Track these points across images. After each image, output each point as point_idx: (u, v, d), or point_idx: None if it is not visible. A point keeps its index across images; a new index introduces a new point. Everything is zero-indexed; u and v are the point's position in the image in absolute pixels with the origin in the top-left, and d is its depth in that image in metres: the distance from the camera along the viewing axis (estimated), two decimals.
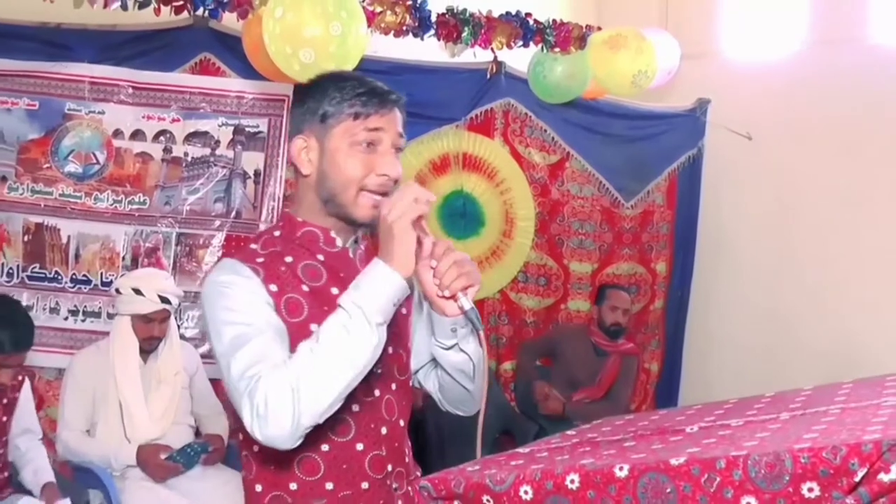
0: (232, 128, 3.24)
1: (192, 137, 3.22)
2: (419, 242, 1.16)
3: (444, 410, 1.43)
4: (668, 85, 3.73)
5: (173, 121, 3.19)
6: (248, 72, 3.08)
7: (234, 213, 3.23)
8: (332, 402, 1.11)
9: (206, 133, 3.23)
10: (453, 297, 1.20)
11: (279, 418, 1.08)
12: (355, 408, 1.24)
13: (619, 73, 3.41)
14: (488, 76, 3.67)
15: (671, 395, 4.28)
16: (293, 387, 1.08)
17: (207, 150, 3.23)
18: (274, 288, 1.19)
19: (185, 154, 3.23)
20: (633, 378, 3.75)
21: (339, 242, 1.28)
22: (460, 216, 3.78)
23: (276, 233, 1.29)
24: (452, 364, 1.32)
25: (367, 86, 1.24)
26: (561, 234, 4.03)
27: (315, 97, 1.25)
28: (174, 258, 3.20)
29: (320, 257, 1.26)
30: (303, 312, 1.19)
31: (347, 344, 1.10)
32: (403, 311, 1.34)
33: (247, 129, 3.24)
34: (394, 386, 1.31)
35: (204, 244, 3.23)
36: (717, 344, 4.38)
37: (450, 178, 3.73)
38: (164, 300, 2.76)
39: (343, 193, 1.23)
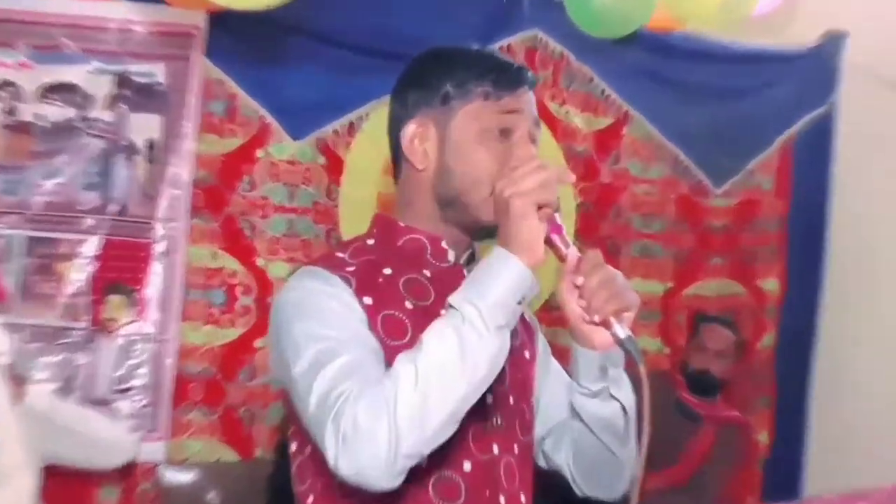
0: (112, 77, 3.00)
1: (49, 92, 2.99)
2: (556, 250, 1.22)
3: (579, 497, 1.47)
4: (780, 10, 3.47)
5: (21, 65, 2.95)
6: None
7: (115, 207, 2.99)
8: (440, 428, 1.12)
9: (71, 85, 3.00)
10: (605, 324, 1.22)
11: (372, 443, 1.09)
12: (467, 466, 1.27)
13: None
14: None
15: (790, 481, 3.88)
16: (389, 405, 1.09)
17: (72, 112, 3.00)
18: (369, 301, 1.23)
19: (38, 117, 2.98)
20: (734, 459, 3.48)
21: (451, 256, 1.32)
22: None
23: (370, 241, 1.34)
24: (599, 418, 1.35)
25: (498, 60, 1.31)
26: (616, 237, 3.74)
27: (434, 74, 1.30)
28: (21, 275, 2.93)
29: (427, 272, 1.31)
30: (406, 334, 1.23)
31: (460, 351, 1.12)
32: (527, 354, 1.40)
33: (135, 78, 3.02)
34: (516, 447, 1.33)
35: (67, 254, 2.95)
36: (859, 400, 3.91)
37: None
38: None
39: (471, 193, 1.26)
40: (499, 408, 1.29)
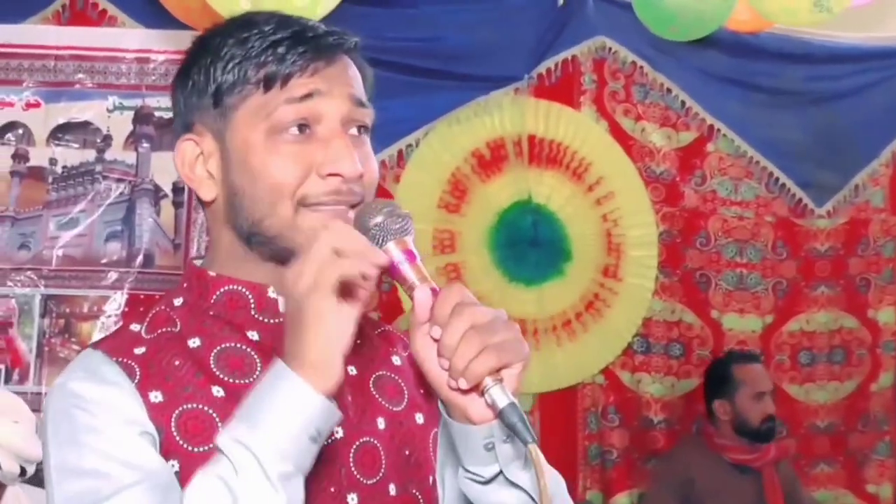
0: (132, 113, 2.98)
1: (62, 133, 2.97)
2: (407, 289, 1.02)
3: None
4: (879, 3, 3.35)
5: (28, 106, 2.95)
6: (154, 16, 2.90)
7: (140, 259, 2.95)
8: None
9: (86, 124, 2.97)
10: (476, 390, 1.01)
11: None
12: None
13: None
14: (561, 1, 3.37)
15: None
16: None
17: (91, 154, 2.97)
18: (158, 398, 1.05)
19: (52, 161, 2.96)
20: (808, 494, 3.44)
21: (283, 306, 1.09)
22: (529, 245, 3.50)
23: (178, 300, 1.13)
24: None
25: (286, 28, 1.07)
26: (705, 268, 3.63)
27: (200, 64, 1.08)
28: (38, 339, 2.90)
29: (252, 335, 1.10)
30: (213, 434, 1.01)
31: None
32: (419, 419, 1.16)
33: (157, 114, 2.98)
34: None
35: (90, 313, 2.91)
36: None
37: (508, 181, 3.47)
38: None
39: (272, 217, 1.06)
40: None
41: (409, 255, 1.01)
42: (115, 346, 1.10)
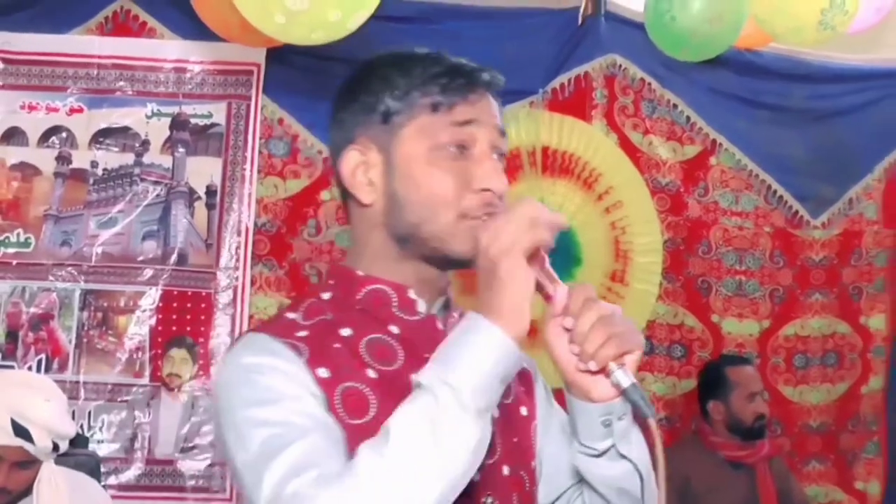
0: (168, 119, 3.08)
1: (103, 137, 3.06)
2: (541, 289, 1.14)
3: None
4: (880, 23, 3.26)
5: (72, 111, 3.04)
6: (192, 28, 2.95)
7: (174, 257, 3.05)
8: None
9: (125, 129, 3.07)
10: (603, 372, 1.13)
11: None
12: None
13: (797, 9, 3.04)
14: (580, 21, 3.43)
15: None
16: None
17: (129, 157, 3.07)
18: (325, 374, 1.14)
19: (93, 164, 3.05)
20: (800, 489, 3.46)
21: (420, 307, 1.22)
22: None
23: (325, 295, 1.24)
24: (608, 481, 1.24)
25: (445, 63, 1.21)
26: (707, 274, 3.71)
27: (370, 88, 1.21)
28: (77, 331, 2.98)
29: (394, 329, 1.21)
30: (368, 411, 1.13)
31: (434, 442, 1.03)
32: (523, 411, 1.29)
33: (193, 120, 3.09)
34: None
35: (126, 307, 3.01)
36: None
37: (522, 189, 3.42)
38: (21, 431, 2.28)
39: (430, 223, 1.18)
40: (488, 485, 1.19)
41: (540, 261, 1.15)
42: (278, 330, 1.19)
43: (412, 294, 1.22)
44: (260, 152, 3.02)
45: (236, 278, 2.97)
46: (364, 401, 1.16)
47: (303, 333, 1.18)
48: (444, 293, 1.26)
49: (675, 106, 3.56)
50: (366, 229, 1.23)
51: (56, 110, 3.02)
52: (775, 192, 3.70)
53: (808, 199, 3.73)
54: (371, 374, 1.18)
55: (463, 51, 3.66)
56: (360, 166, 1.21)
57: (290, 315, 1.22)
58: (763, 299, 3.75)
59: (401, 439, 1.04)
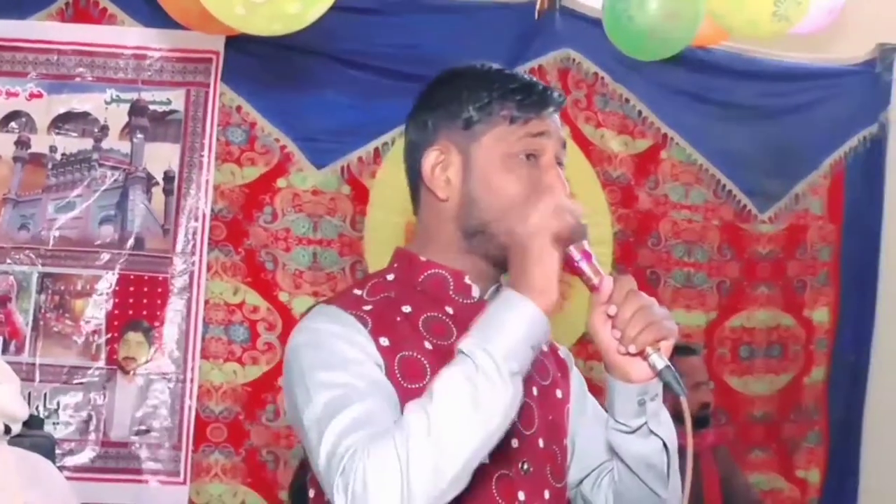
0: (127, 105, 3.07)
1: (62, 122, 3.05)
2: (587, 280, 1.24)
3: None
4: (830, 25, 3.33)
5: (31, 96, 3.03)
6: (152, 16, 2.93)
7: (131, 242, 3.04)
8: (453, 481, 1.13)
9: (85, 115, 3.06)
10: (641, 355, 1.24)
11: (382, 501, 1.09)
12: None
13: (751, 5, 3.07)
14: (536, 15, 3.44)
15: None
16: (401, 459, 1.10)
17: (88, 143, 3.06)
18: (386, 342, 1.26)
19: (52, 149, 3.04)
20: (743, 477, 3.48)
21: (475, 292, 1.34)
22: None
23: (389, 276, 1.36)
24: (638, 456, 1.34)
25: (522, 81, 1.34)
26: (655, 266, 3.72)
27: (453, 97, 1.33)
28: (34, 314, 2.99)
29: (449, 310, 1.32)
30: (424, 376, 1.25)
31: (473, 401, 1.13)
32: (559, 394, 1.41)
33: (151, 107, 3.08)
34: (547, 493, 1.34)
35: (83, 291, 3.01)
36: None
37: None
38: None
39: (500, 222, 1.28)
40: (526, 453, 1.30)
41: (586, 255, 1.25)
42: (346, 303, 1.30)
43: (468, 280, 1.34)
44: (218, 139, 3.01)
45: (192, 263, 2.97)
46: (420, 367, 1.27)
47: (368, 307, 1.29)
48: (496, 282, 1.36)
49: (627, 100, 3.57)
50: (437, 221, 1.34)
51: (16, 95, 3.00)
52: (724, 186, 3.74)
53: (756, 194, 3.77)
54: (427, 345, 1.29)
55: (421, 43, 3.65)
56: (439, 165, 1.32)
57: (357, 291, 1.34)
58: (711, 291, 3.79)
59: (443, 398, 1.13)
